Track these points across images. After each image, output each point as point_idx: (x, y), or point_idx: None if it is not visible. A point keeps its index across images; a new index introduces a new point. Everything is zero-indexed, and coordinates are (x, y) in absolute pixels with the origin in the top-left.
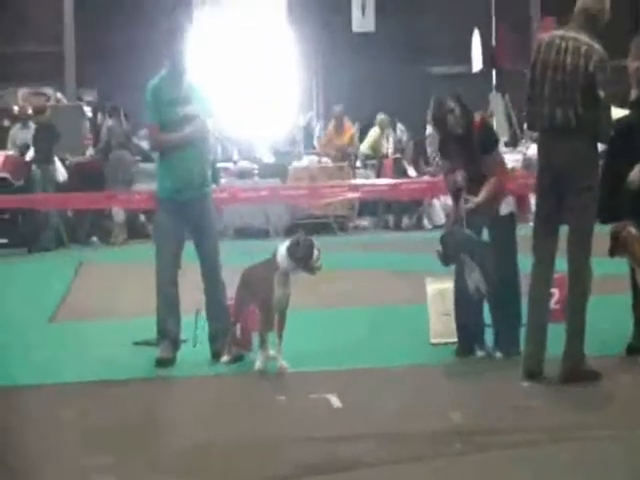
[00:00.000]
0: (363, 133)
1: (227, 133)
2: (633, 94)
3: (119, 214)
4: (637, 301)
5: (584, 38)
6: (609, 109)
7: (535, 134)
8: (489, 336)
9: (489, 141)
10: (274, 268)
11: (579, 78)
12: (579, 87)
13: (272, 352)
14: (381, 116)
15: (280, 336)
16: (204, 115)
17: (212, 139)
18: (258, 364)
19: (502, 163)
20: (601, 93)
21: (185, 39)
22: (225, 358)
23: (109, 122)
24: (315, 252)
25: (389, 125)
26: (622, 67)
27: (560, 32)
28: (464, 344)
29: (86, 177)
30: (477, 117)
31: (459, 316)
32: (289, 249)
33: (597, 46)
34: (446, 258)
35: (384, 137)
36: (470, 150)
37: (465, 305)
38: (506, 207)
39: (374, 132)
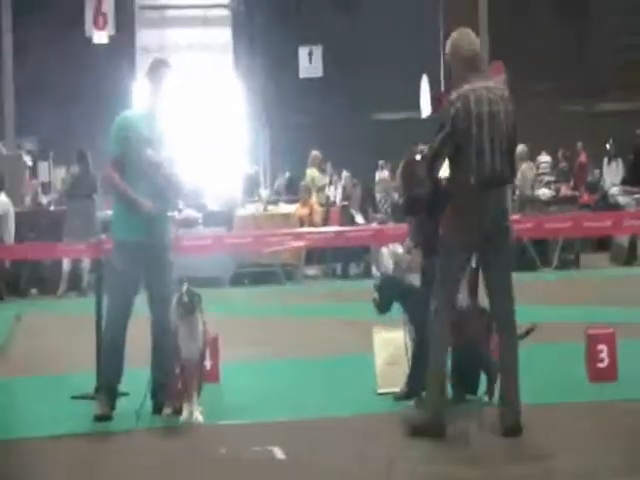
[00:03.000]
0: None
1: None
2: None
3: (66, 265)
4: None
5: (494, 84)
6: None
7: None
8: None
9: None
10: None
11: (509, 126)
12: (508, 135)
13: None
14: (315, 152)
15: (200, 387)
16: (171, 161)
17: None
18: (184, 415)
19: None
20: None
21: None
22: (167, 411)
23: (75, 169)
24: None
25: (321, 162)
26: None
27: (478, 83)
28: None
29: (37, 227)
30: None
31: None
32: (176, 307)
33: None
34: (381, 306)
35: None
36: (437, 203)
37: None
38: None
39: (311, 173)
